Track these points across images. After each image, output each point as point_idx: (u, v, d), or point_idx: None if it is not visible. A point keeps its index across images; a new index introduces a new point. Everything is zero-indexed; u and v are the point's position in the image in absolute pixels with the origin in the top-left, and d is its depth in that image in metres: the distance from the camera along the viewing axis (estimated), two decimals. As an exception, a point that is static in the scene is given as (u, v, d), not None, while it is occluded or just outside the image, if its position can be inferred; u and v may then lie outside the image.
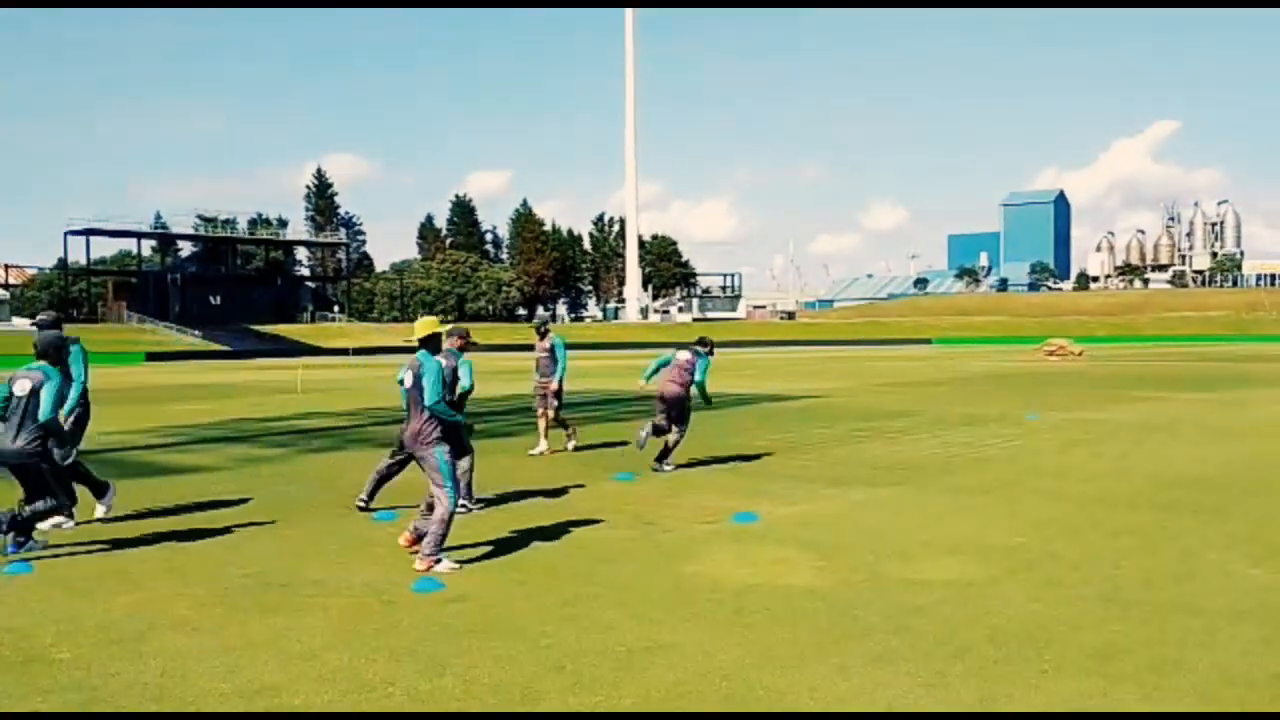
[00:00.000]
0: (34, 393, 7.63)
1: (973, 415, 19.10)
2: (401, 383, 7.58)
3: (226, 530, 8.56)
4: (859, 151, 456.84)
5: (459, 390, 9.28)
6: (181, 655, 5.31)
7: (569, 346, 13.80)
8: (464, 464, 8.93)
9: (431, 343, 7.68)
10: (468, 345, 9.77)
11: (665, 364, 12.03)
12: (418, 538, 7.37)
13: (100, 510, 9.03)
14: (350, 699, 4.69)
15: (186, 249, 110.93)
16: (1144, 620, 5.75)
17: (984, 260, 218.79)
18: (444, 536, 7.24)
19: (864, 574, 6.91)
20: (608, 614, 5.99)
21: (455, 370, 9.21)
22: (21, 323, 73.52)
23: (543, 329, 13.73)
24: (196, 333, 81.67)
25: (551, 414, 13.49)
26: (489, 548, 7.86)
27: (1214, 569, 6.95)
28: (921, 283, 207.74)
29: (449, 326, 9.74)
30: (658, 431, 11.79)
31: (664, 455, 11.92)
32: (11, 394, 7.69)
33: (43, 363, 7.88)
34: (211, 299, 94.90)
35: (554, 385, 13.37)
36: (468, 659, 5.19)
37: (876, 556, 7.41)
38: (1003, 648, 5.28)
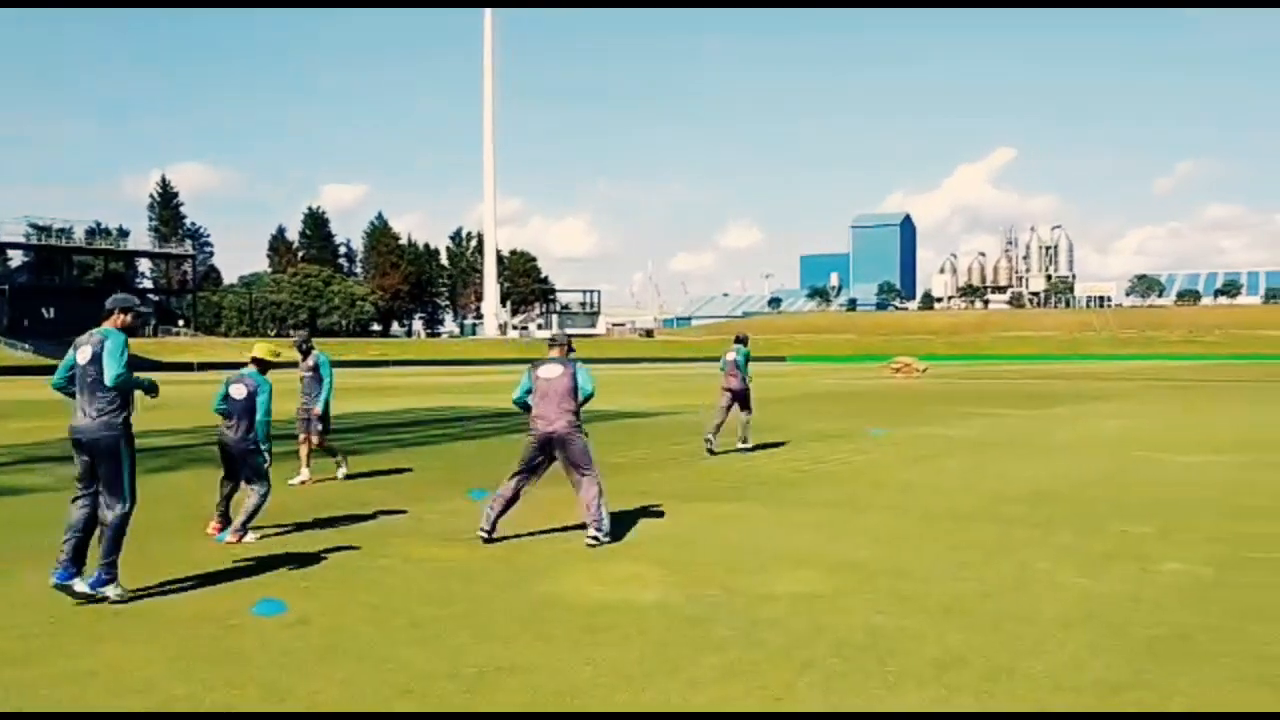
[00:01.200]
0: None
1: (822, 431, 19.58)
2: (228, 395, 8.59)
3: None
4: (717, 171, 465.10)
5: (580, 396, 8.96)
6: (7, 690, 4.99)
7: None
8: (591, 492, 9.00)
9: (262, 365, 8.84)
10: (572, 349, 9.33)
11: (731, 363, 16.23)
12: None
13: None
14: (185, 730, 4.49)
15: (17, 259, 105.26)
16: (981, 630, 5.96)
17: (834, 280, 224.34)
18: (254, 516, 8.54)
19: (715, 588, 6.98)
20: (458, 635, 5.89)
21: (575, 375, 8.90)
22: None
23: (305, 346, 12.65)
24: (27, 346, 77.61)
25: (316, 440, 12.41)
26: (335, 569, 7.66)
27: (1045, 579, 7.26)
28: (775, 302, 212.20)
29: (551, 334, 9.55)
30: (717, 429, 15.64)
31: (744, 437, 16.00)
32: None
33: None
34: (44, 311, 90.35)
35: (317, 409, 12.35)
36: (311, 684, 5.03)
37: (728, 570, 7.50)
38: (848, 660, 5.40)
